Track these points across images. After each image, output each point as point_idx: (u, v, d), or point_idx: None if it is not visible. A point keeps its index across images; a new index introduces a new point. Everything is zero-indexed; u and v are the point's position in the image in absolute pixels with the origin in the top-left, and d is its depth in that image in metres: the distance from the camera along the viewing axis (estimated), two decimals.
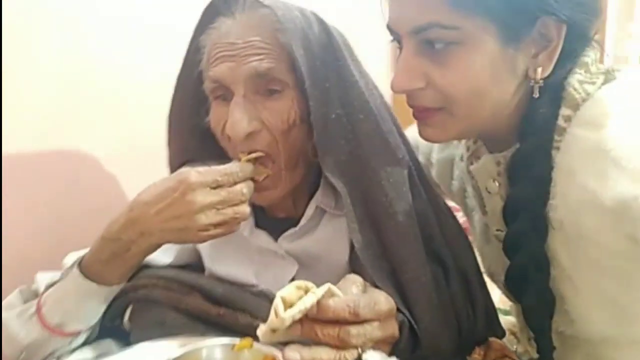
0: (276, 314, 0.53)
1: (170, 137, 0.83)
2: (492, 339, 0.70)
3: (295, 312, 0.53)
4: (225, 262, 0.76)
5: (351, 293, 0.59)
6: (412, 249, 0.67)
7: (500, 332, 0.74)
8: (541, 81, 0.64)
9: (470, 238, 0.82)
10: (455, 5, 0.59)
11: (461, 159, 0.82)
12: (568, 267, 0.65)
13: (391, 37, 0.69)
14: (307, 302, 0.54)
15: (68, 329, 0.69)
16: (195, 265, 0.80)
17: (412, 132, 0.93)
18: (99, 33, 0.98)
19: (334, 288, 0.56)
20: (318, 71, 0.68)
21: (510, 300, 0.83)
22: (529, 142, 0.65)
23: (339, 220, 0.74)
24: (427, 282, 0.66)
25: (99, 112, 0.99)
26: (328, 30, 0.72)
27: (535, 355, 0.70)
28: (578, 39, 0.64)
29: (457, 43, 0.61)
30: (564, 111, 0.64)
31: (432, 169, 0.90)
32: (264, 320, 0.57)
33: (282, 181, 0.72)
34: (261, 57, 0.67)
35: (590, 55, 0.66)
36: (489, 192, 0.73)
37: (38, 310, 0.68)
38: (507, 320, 0.89)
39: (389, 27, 0.67)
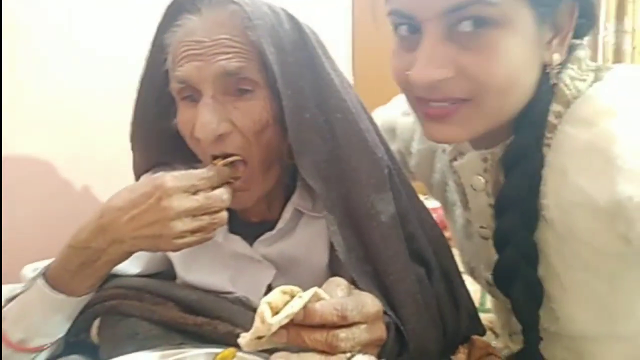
0: (262, 321, 0.51)
1: (135, 141, 0.79)
2: (474, 337, 0.70)
3: (282, 317, 0.51)
4: (198, 270, 0.73)
5: (337, 296, 0.57)
6: (395, 250, 0.66)
7: (481, 330, 0.74)
8: (558, 67, 0.61)
9: (447, 234, 0.82)
10: None
11: (443, 151, 0.80)
12: (557, 266, 0.65)
13: (396, 24, 0.62)
14: (295, 306, 0.52)
15: (33, 344, 0.65)
16: (166, 273, 0.77)
17: (387, 115, 0.91)
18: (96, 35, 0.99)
19: (320, 292, 0.55)
20: (290, 69, 0.66)
21: (492, 295, 0.83)
22: (521, 137, 0.64)
23: (317, 222, 0.73)
24: (412, 283, 0.65)
25: (97, 115, 0.99)
26: (300, 27, 0.70)
27: (515, 350, 0.70)
28: (582, 27, 0.63)
29: (492, 24, 0.56)
30: (555, 107, 0.62)
31: (412, 158, 0.88)
32: (244, 328, 0.55)
33: (256, 184, 0.69)
34: (230, 55, 0.64)
35: (583, 50, 0.65)
36: (474, 189, 0.71)
37: None
38: (484, 317, 0.90)
39: (397, 13, 0.60)
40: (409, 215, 0.70)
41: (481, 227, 0.74)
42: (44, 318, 0.64)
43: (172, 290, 0.69)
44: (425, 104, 0.62)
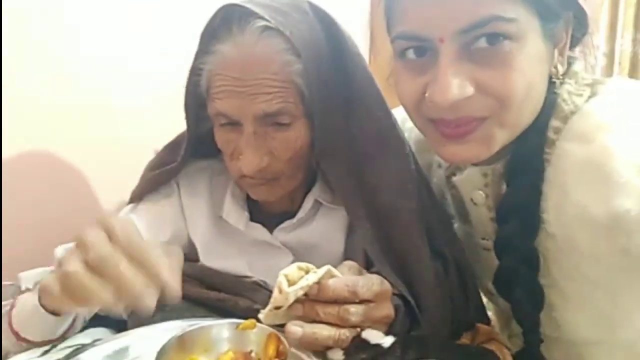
0: (280, 290, 0.55)
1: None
2: (479, 325, 0.73)
3: (297, 288, 0.55)
4: (219, 256, 0.78)
5: (349, 275, 0.61)
6: (415, 245, 0.69)
7: (486, 321, 0.77)
8: (561, 77, 0.63)
9: None
10: None
11: (439, 166, 0.81)
12: (558, 276, 0.66)
13: (403, 49, 0.61)
14: (310, 279, 0.56)
15: (24, 335, 0.65)
16: (188, 256, 0.82)
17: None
18: (95, 38, 0.99)
19: (333, 269, 0.59)
20: (327, 95, 0.68)
21: (493, 302, 0.85)
22: (522, 150, 0.65)
23: (335, 213, 0.77)
24: (431, 277, 0.68)
25: (94, 115, 0.99)
26: (332, 29, 0.70)
27: (514, 351, 0.72)
28: (576, 38, 0.65)
29: (507, 39, 0.56)
30: (554, 122, 0.63)
31: None
32: (263, 305, 0.59)
33: (281, 186, 0.73)
34: (270, 96, 0.65)
35: (579, 65, 0.67)
36: (475, 203, 0.73)
37: (10, 309, 0.66)
38: None
39: (407, 36, 0.60)
40: (429, 211, 0.73)
41: (483, 239, 0.76)
42: (33, 321, 0.63)
43: (196, 270, 0.75)
44: (442, 125, 0.61)
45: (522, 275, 0.66)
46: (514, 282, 0.67)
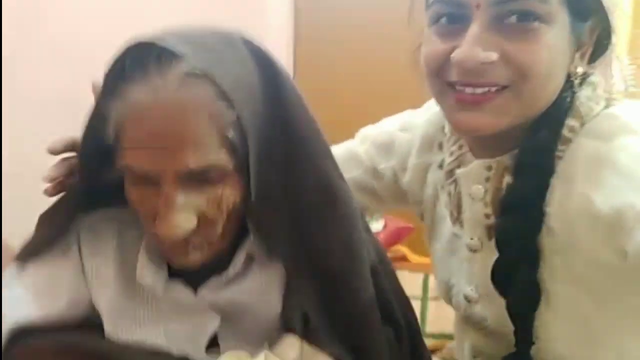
0: None
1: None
2: None
3: None
4: (130, 324, 0.66)
5: (290, 359, 0.53)
6: (367, 311, 0.63)
7: None
8: (579, 80, 0.65)
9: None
10: None
11: (439, 166, 0.81)
12: (547, 279, 0.66)
13: (438, 14, 0.64)
14: None
15: None
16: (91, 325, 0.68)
17: (384, 131, 0.92)
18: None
19: (270, 356, 0.50)
20: (266, 152, 0.59)
21: (467, 313, 0.81)
22: (536, 140, 0.65)
23: (271, 268, 0.67)
24: (382, 344, 0.63)
25: None
26: (272, 72, 0.61)
27: None
28: (598, 49, 0.66)
29: (537, 19, 0.60)
30: (570, 121, 0.65)
31: (406, 174, 0.87)
32: None
33: (211, 249, 0.63)
34: (197, 151, 0.55)
35: (596, 79, 0.68)
36: (472, 198, 0.72)
37: None
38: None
39: (445, 1, 0.63)
40: (380, 277, 0.66)
41: (471, 238, 0.74)
42: None
43: (106, 348, 0.63)
44: (460, 89, 0.64)
45: (520, 270, 0.66)
46: (512, 276, 0.67)
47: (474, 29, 0.61)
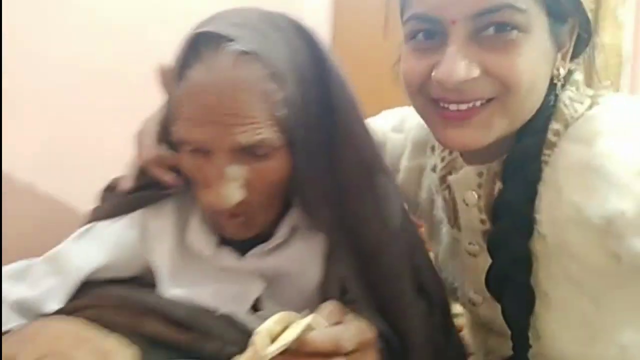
0: (256, 351, 0.49)
1: None
2: None
3: (276, 348, 0.50)
4: (181, 284, 0.70)
5: (331, 322, 0.56)
6: (402, 283, 0.66)
7: None
8: (562, 82, 0.64)
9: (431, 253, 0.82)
10: None
11: (433, 169, 0.80)
12: (543, 281, 0.66)
13: (414, 31, 0.63)
14: (289, 337, 0.51)
15: None
16: (141, 280, 0.73)
17: (376, 130, 0.88)
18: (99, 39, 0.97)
19: (314, 321, 0.54)
20: (312, 129, 0.62)
21: (473, 314, 0.83)
22: (523, 147, 0.65)
23: (313, 238, 0.71)
24: (417, 316, 0.65)
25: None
26: (317, 50, 0.64)
27: None
28: (579, 46, 0.66)
29: (515, 29, 0.58)
30: (554, 125, 0.64)
31: (398, 175, 0.87)
32: (233, 346, 0.55)
33: (257, 221, 0.67)
34: (249, 127, 0.58)
35: (579, 75, 0.67)
36: (466, 204, 0.72)
37: None
38: None
39: (421, 17, 0.62)
40: (415, 248, 0.69)
41: (469, 243, 0.74)
42: None
43: (159, 301, 0.67)
44: (444, 106, 0.62)
45: (513, 276, 0.66)
46: (505, 282, 0.67)
47: (452, 46, 0.59)
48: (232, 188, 0.61)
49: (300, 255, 0.71)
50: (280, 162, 0.63)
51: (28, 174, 0.91)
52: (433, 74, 0.61)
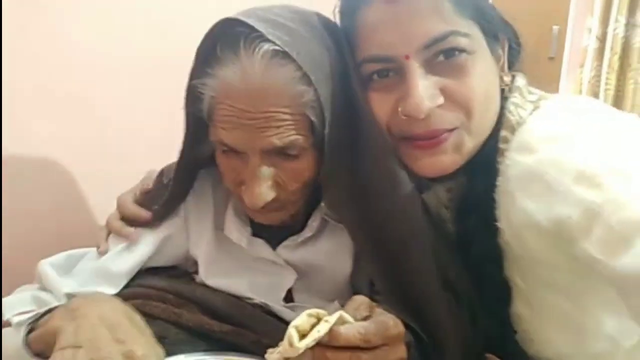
0: (290, 344, 0.53)
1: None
2: (488, 355, 0.72)
3: (309, 341, 0.52)
4: (219, 273, 0.74)
5: (360, 315, 0.59)
6: (427, 279, 0.67)
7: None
8: (507, 87, 0.69)
9: None
10: (461, 13, 0.63)
11: None
12: (523, 287, 0.68)
13: (369, 73, 0.65)
14: (321, 330, 0.53)
15: None
16: (182, 270, 0.78)
17: None
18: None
19: (345, 315, 0.56)
20: (339, 129, 0.64)
21: None
22: (477, 161, 0.67)
23: (343, 231, 0.72)
24: (444, 309, 0.67)
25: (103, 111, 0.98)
26: (342, 50, 0.66)
27: None
28: (513, 56, 0.71)
29: (466, 51, 0.63)
30: (502, 133, 0.66)
31: None
32: (268, 337, 0.57)
33: (286, 212, 0.70)
34: (281, 129, 0.61)
35: (521, 80, 0.70)
36: (443, 220, 0.74)
37: None
38: None
39: (373, 59, 0.65)
40: (436, 243, 0.70)
41: None
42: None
43: (195, 292, 0.71)
44: (415, 140, 0.65)
45: (486, 270, 0.69)
46: (479, 277, 0.70)
47: (412, 80, 0.62)
48: (265, 187, 0.64)
49: (330, 249, 0.74)
50: (309, 161, 0.65)
51: (29, 174, 0.92)
52: (400, 109, 0.64)
